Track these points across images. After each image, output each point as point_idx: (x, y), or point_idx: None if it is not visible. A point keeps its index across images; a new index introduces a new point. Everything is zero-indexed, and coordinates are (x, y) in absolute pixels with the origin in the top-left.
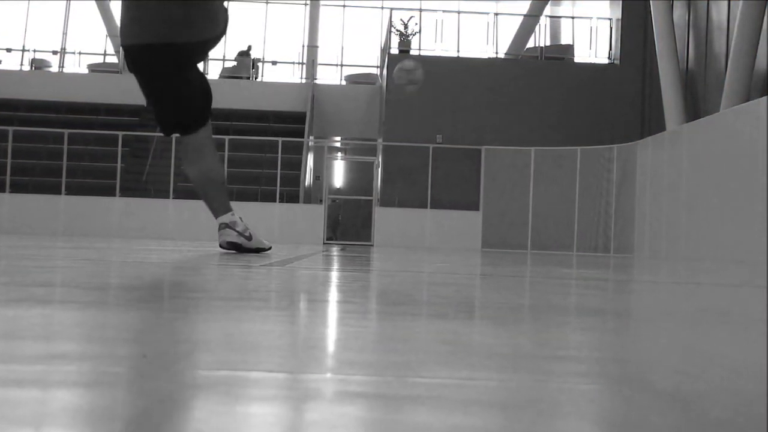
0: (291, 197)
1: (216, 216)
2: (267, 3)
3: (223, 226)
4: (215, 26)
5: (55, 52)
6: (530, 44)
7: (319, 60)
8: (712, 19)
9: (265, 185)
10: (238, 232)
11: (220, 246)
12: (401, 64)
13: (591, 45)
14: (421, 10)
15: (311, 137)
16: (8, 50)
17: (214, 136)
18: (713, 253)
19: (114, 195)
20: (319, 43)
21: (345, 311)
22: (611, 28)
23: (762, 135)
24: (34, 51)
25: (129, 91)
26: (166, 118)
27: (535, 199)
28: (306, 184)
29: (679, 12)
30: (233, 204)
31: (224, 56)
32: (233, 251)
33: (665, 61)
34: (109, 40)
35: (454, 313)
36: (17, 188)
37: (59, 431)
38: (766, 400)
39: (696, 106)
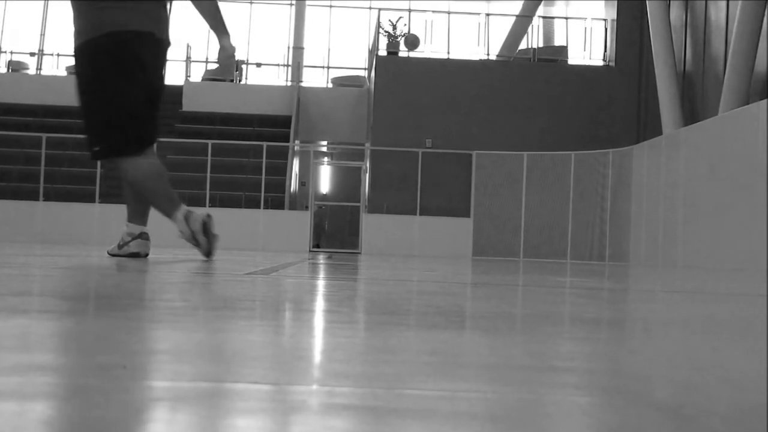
0: (276, 203)
1: (173, 211)
2: (251, 3)
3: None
4: (147, 21)
5: (32, 54)
6: (523, 45)
7: (305, 62)
8: (710, 19)
9: (249, 191)
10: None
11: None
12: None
13: (585, 46)
14: (410, 10)
15: (297, 142)
16: None
17: (199, 141)
18: (711, 261)
19: (93, 201)
20: (305, 44)
21: (332, 321)
22: (606, 29)
23: (762, 139)
24: (11, 53)
25: None
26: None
27: (527, 205)
28: (291, 190)
29: (676, 12)
30: (217, 210)
31: (207, 58)
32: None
33: (662, 62)
34: None
35: (444, 322)
36: None
37: None
38: (766, 412)
39: (693, 109)
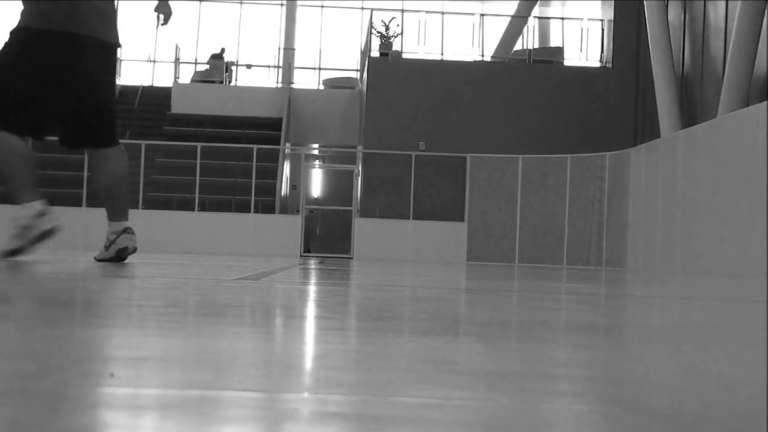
0: (266, 207)
1: (29, 197)
2: (241, 3)
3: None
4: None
5: None
6: (518, 46)
7: (296, 63)
8: (709, 19)
9: (239, 195)
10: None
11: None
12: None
13: (582, 47)
14: (403, 10)
15: (288, 144)
16: None
17: (188, 143)
18: (710, 267)
19: (80, 205)
20: (296, 45)
21: (323, 327)
22: (603, 30)
23: (762, 142)
24: None
25: None
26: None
27: (522, 209)
28: (282, 193)
29: (674, 12)
30: (207, 214)
31: (196, 59)
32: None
33: (660, 64)
34: None
35: (438, 329)
36: None
37: None
38: (766, 420)
39: (692, 111)
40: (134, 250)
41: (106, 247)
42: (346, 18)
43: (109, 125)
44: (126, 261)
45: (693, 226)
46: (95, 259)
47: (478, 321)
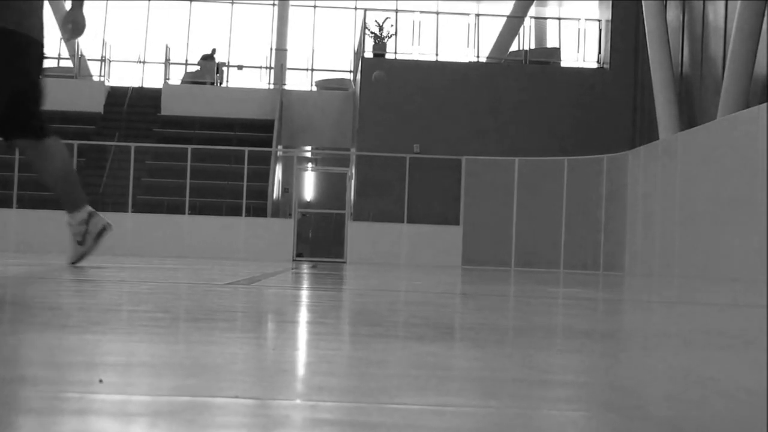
0: (258, 211)
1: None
2: (232, 3)
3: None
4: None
5: None
6: (514, 47)
7: (289, 64)
8: (708, 20)
9: (230, 198)
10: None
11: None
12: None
13: (579, 48)
14: (397, 10)
15: (280, 147)
16: None
17: (178, 146)
18: (709, 271)
19: None
20: (289, 46)
21: (316, 333)
22: (601, 30)
23: (762, 144)
24: None
25: (85, 98)
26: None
27: (519, 212)
28: (274, 196)
29: (673, 13)
30: (197, 218)
31: (187, 60)
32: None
33: (658, 65)
34: (63, 43)
35: (433, 335)
36: None
37: None
38: (766, 427)
39: (691, 113)
40: (110, 226)
41: (80, 242)
42: (339, 18)
43: (42, 119)
44: (115, 265)
45: (692, 230)
46: (72, 263)
47: (474, 326)
